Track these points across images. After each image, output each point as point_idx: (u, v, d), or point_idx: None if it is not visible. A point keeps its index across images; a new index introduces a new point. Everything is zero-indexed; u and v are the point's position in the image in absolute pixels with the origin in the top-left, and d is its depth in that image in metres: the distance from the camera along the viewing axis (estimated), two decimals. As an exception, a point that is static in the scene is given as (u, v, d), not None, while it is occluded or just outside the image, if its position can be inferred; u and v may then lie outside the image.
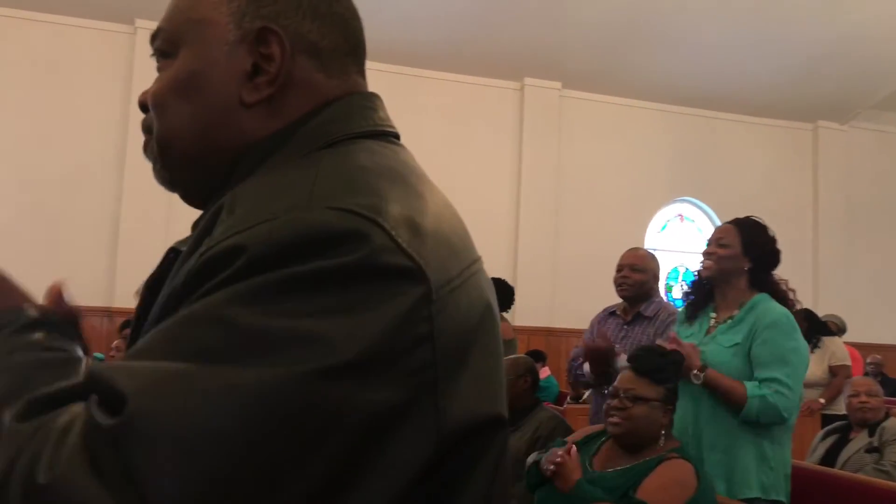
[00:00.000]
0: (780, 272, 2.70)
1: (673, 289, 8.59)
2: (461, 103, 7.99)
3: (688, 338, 2.63)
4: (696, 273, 2.79)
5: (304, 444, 0.54)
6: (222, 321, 0.56)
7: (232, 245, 0.59)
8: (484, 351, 0.67)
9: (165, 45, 0.77)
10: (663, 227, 8.92)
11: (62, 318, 0.71)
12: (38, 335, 0.66)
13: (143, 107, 0.79)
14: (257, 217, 0.60)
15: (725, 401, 2.44)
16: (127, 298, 6.48)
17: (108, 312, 6.68)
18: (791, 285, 2.69)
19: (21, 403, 0.57)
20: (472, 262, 0.71)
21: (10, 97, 6.94)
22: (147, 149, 0.79)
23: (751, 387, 2.42)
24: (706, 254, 2.66)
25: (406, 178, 0.70)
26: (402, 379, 0.58)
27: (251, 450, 0.53)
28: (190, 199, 0.80)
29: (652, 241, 8.61)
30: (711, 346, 2.56)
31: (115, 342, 4.80)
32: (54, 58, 7.09)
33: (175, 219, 6.99)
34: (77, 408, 0.56)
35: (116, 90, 7.16)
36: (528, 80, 8.18)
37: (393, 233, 0.60)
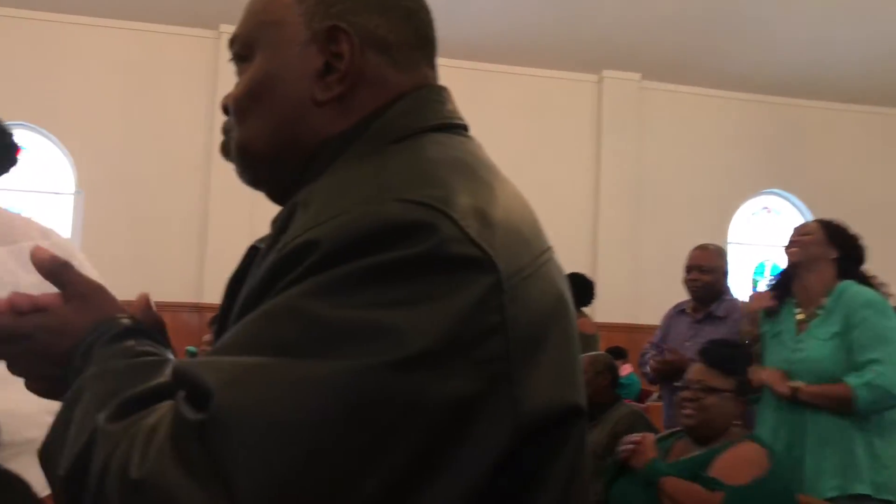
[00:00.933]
0: (873, 267, 2.59)
1: (759, 284, 8.31)
2: (537, 98, 7.93)
3: (775, 337, 2.56)
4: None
5: (380, 436, 0.55)
6: (299, 315, 0.57)
7: (306, 241, 0.60)
8: (558, 341, 0.67)
9: (242, 50, 0.79)
10: (748, 221, 8.64)
11: (150, 326, 0.74)
12: (130, 342, 0.68)
13: (226, 110, 0.81)
14: (330, 212, 0.62)
15: (832, 407, 2.36)
16: (215, 294, 6.70)
17: (198, 308, 6.93)
18: (884, 279, 2.58)
19: (113, 405, 0.59)
20: (543, 251, 0.71)
21: (103, 103, 7.27)
22: (225, 150, 0.82)
23: (851, 379, 2.32)
24: (790, 243, 2.60)
25: (475, 170, 0.70)
26: (475, 369, 0.58)
27: (329, 442, 0.54)
28: (272, 197, 0.82)
29: (736, 235, 8.35)
30: (809, 342, 2.47)
31: (206, 336, 4.97)
32: (143, 64, 7.40)
33: (259, 216, 7.17)
34: (165, 405, 0.58)
35: (202, 93, 7.41)
36: (606, 73, 8.04)
37: (462, 223, 0.61)
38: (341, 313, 0.57)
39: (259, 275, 0.64)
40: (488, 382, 0.59)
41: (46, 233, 2.10)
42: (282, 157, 0.77)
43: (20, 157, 2.12)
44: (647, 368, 3.44)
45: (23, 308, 0.71)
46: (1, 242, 1.96)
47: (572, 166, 7.94)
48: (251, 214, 7.17)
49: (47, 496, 1.65)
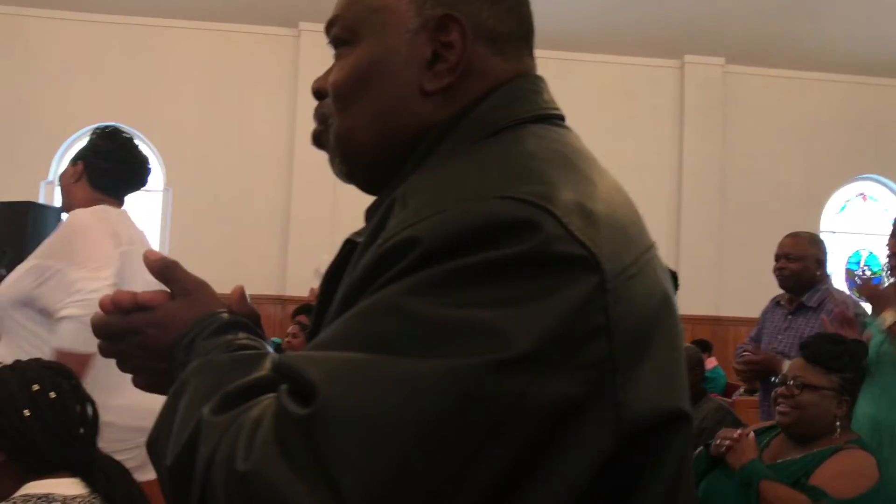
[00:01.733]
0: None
1: (855, 275, 7.94)
2: (617, 86, 7.78)
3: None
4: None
5: (481, 437, 0.54)
6: (399, 312, 0.57)
7: (406, 237, 0.60)
8: (663, 342, 0.64)
9: (344, 33, 0.77)
10: (842, 208, 8.26)
11: (247, 318, 0.75)
12: (230, 336, 0.69)
13: (318, 94, 0.80)
14: (430, 209, 0.61)
15: None
16: (298, 287, 6.89)
17: (281, 300, 7.11)
18: None
19: (216, 398, 0.60)
20: (647, 248, 0.68)
21: (189, 103, 7.53)
22: (317, 139, 0.81)
23: None
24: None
25: (575, 163, 0.68)
26: (578, 372, 0.57)
27: (432, 441, 0.53)
28: (366, 188, 0.81)
29: (829, 224, 8.01)
30: None
31: (290, 328, 5.08)
32: (227, 64, 7.62)
33: (340, 210, 7.32)
34: (267, 398, 0.58)
35: (283, 91, 7.59)
36: (688, 58, 7.82)
37: (564, 220, 0.59)
38: (443, 311, 0.56)
39: (358, 271, 0.64)
40: (591, 386, 0.58)
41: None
42: (384, 146, 0.76)
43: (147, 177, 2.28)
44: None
45: (125, 305, 0.73)
46: (137, 245, 2.12)
47: (654, 155, 7.76)
48: (332, 209, 7.31)
49: (145, 482, 1.73)
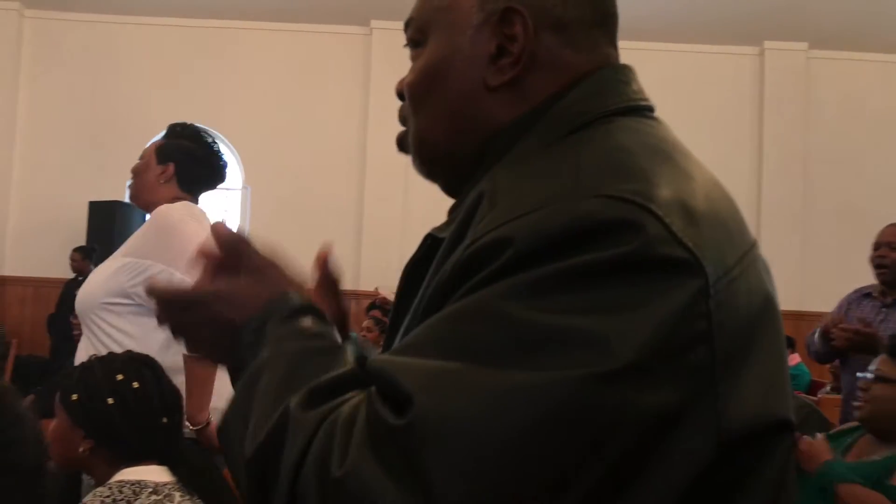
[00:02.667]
0: None
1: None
2: (695, 74, 7.58)
3: None
4: None
5: (581, 449, 0.52)
6: (494, 318, 0.55)
7: (498, 238, 0.57)
8: (766, 348, 0.61)
9: (416, 35, 0.77)
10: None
11: (330, 287, 0.74)
12: (304, 322, 0.66)
13: (400, 96, 0.79)
14: (522, 208, 0.59)
15: None
16: (371, 282, 6.98)
17: (356, 295, 7.21)
18: None
19: (303, 392, 0.58)
20: (750, 247, 0.65)
21: (265, 103, 7.71)
22: (401, 143, 0.81)
23: None
24: None
25: (671, 157, 0.65)
26: (680, 380, 0.55)
27: (531, 454, 0.52)
28: (447, 189, 0.80)
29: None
30: None
31: (365, 322, 5.15)
32: (300, 63, 7.77)
33: (411, 206, 7.38)
34: (355, 398, 0.57)
35: (356, 89, 7.69)
36: (768, 44, 7.56)
37: (666, 220, 0.56)
38: (540, 318, 0.54)
39: (445, 272, 0.62)
40: (693, 394, 0.55)
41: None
42: (457, 145, 0.75)
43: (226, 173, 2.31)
44: (816, 339, 3.17)
45: (214, 262, 0.71)
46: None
47: (733, 146, 7.52)
48: (403, 205, 7.38)
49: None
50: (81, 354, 2.00)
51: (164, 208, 2.10)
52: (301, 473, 0.55)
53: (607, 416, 0.53)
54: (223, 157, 2.31)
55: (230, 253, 0.72)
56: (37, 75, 7.79)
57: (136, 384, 1.55)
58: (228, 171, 2.34)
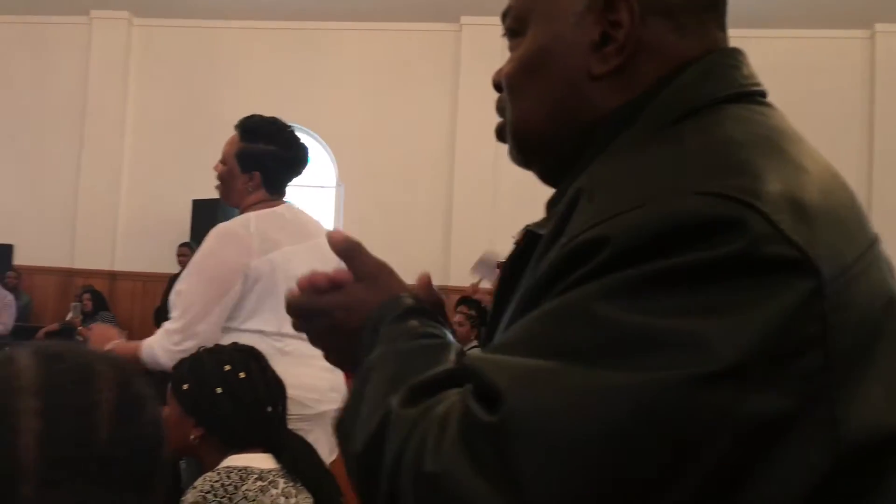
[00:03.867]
0: None
1: None
2: (798, 61, 7.23)
3: None
4: None
5: (680, 455, 0.50)
6: (590, 318, 0.53)
7: (595, 236, 0.56)
8: (889, 353, 0.57)
9: (515, 24, 0.76)
10: None
11: (431, 305, 0.74)
12: (414, 322, 0.68)
13: (497, 87, 0.78)
14: (620, 205, 0.57)
15: None
16: (460, 277, 7.00)
17: (445, 291, 7.25)
18: None
19: (404, 389, 0.59)
20: (870, 244, 0.61)
21: (357, 102, 7.85)
22: (499, 132, 0.80)
23: None
24: None
25: (782, 148, 0.62)
26: (790, 386, 0.52)
27: (626, 457, 0.50)
28: (544, 178, 0.79)
29: None
30: None
31: (456, 317, 5.18)
32: (391, 62, 7.86)
33: (500, 202, 7.36)
34: (453, 395, 0.57)
35: (445, 86, 7.73)
36: (879, 27, 7.15)
37: (774, 218, 0.53)
38: (639, 319, 0.52)
39: (542, 269, 0.61)
40: (804, 401, 0.52)
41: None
42: (557, 135, 0.73)
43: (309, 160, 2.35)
44: None
45: (321, 286, 0.74)
46: (298, 240, 2.22)
47: (840, 134, 7.14)
48: (493, 201, 7.37)
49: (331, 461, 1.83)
50: None
51: (216, 228, 2.21)
52: (399, 469, 0.55)
53: (705, 421, 0.50)
54: (304, 149, 2.33)
55: (346, 258, 0.75)
56: (144, 81, 8.19)
57: (242, 374, 1.62)
58: (309, 153, 2.36)
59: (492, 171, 7.47)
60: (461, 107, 7.62)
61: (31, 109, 8.17)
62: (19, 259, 8.07)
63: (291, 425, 2.11)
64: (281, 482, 1.56)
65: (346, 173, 7.91)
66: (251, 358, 1.69)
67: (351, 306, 0.72)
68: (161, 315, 6.77)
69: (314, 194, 7.83)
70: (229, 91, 7.96)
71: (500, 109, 0.79)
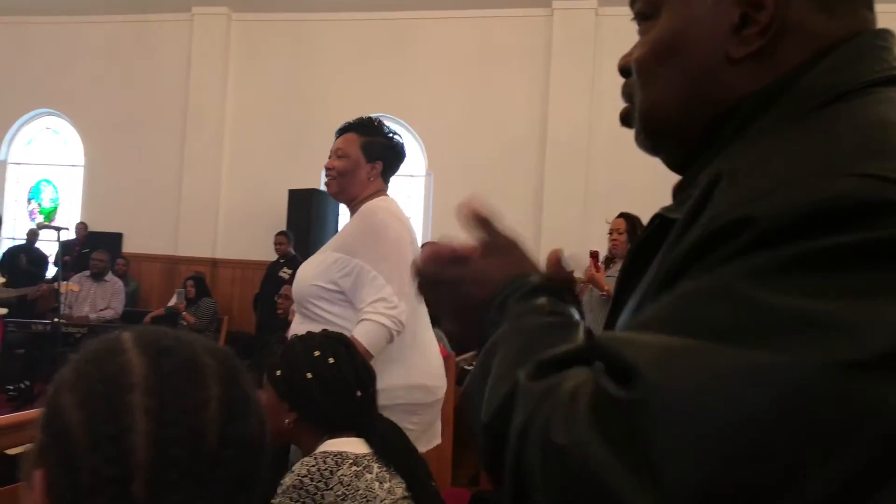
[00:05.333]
0: None
1: None
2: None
3: None
4: None
5: (824, 443, 0.48)
6: (732, 298, 0.52)
7: (739, 217, 0.54)
8: None
9: (646, 7, 0.74)
10: None
11: (560, 283, 0.74)
12: (542, 300, 0.68)
13: (624, 71, 0.77)
14: (766, 186, 0.55)
15: None
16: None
17: (535, 280, 7.22)
18: None
19: (531, 364, 0.59)
20: None
21: (447, 91, 7.88)
22: (624, 117, 0.78)
23: None
24: None
25: None
26: None
27: (767, 442, 0.48)
28: (672, 163, 0.77)
29: None
30: None
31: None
32: (481, 50, 7.85)
33: (592, 190, 7.25)
34: (582, 372, 0.57)
35: (536, 73, 7.67)
36: None
37: None
38: (785, 300, 0.50)
39: (681, 250, 0.59)
40: None
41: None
42: (690, 120, 0.71)
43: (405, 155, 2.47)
44: None
45: (445, 257, 0.75)
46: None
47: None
48: (584, 189, 7.27)
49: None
50: (299, 333, 2.19)
51: (371, 207, 2.26)
52: (526, 441, 0.56)
53: (853, 411, 0.48)
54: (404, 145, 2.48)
55: (477, 231, 0.75)
56: (242, 75, 8.47)
57: (331, 360, 1.67)
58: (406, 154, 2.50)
59: (585, 158, 7.37)
60: (552, 93, 7.55)
61: (138, 105, 8.59)
62: (128, 247, 8.51)
63: (420, 412, 2.17)
64: (375, 467, 1.59)
65: (435, 162, 7.97)
66: (340, 343, 1.73)
67: (479, 279, 0.73)
68: (261, 301, 7.02)
69: (404, 183, 7.93)
70: (323, 83, 8.15)
71: (627, 95, 0.77)
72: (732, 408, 0.49)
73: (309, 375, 1.64)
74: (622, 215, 4.49)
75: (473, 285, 0.73)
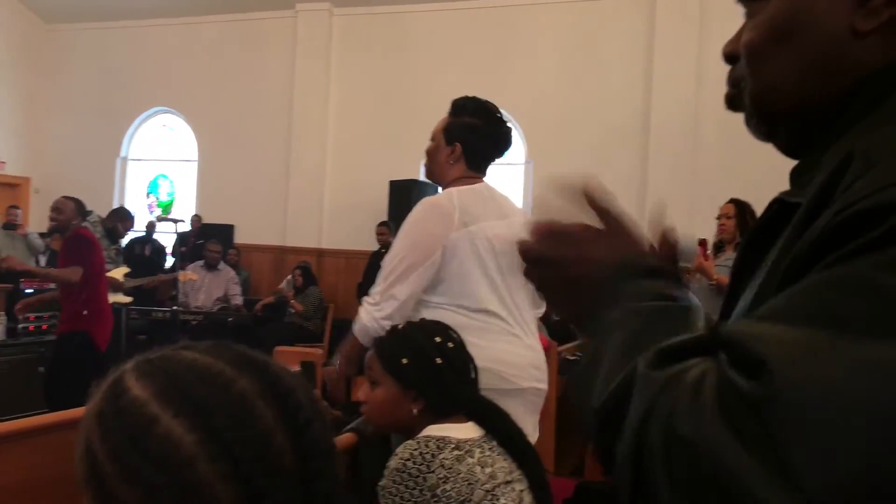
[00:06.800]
0: None
1: None
2: None
3: None
4: None
5: None
6: (871, 290, 0.49)
7: (879, 203, 0.51)
8: None
9: None
10: None
11: (675, 266, 0.72)
12: (658, 283, 0.66)
13: (729, 58, 0.75)
14: None
15: None
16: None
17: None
18: None
19: (651, 352, 0.57)
20: None
21: (545, 77, 7.80)
22: (732, 102, 0.76)
23: None
24: None
25: None
26: None
27: None
28: (789, 148, 0.74)
29: None
30: None
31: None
32: (580, 35, 7.73)
33: (699, 174, 7.02)
34: (704, 362, 0.55)
35: (638, 57, 7.48)
36: None
37: None
38: None
39: (810, 238, 0.57)
40: None
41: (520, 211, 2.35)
42: (811, 101, 0.68)
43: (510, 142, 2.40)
44: None
45: (552, 234, 0.73)
46: (496, 217, 2.27)
47: None
48: (691, 175, 7.04)
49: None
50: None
51: (425, 199, 2.25)
52: (646, 429, 0.54)
53: None
54: (506, 125, 2.35)
55: (597, 210, 0.73)
56: (344, 69, 8.66)
57: (450, 344, 1.70)
58: (512, 137, 2.40)
59: (691, 143, 7.14)
60: (656, 77, 7.34)
61: (246, 101, 8.93)
62: (239, 238, 8.88)
63: (495, 399, 2.16)
64: (476, 452, 1.60)
65: (535, 150, 7.91)
66: (449, 329, 1.76)
67: (589, 259, 0.70)
68: (364, 289, 7.18)
69: (503, 172, 7.90)
70: (423, 74, 8.22)
71: (734, 81, 0.74)
72: (875, 405, 0.46)
73: (439, 360, 1.67)
74: (732, 201, 4.35)
75: (583, 265, 0.70)
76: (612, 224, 0.72)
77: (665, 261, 0.72)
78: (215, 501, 0.60)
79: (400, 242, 2.22)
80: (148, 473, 0.60)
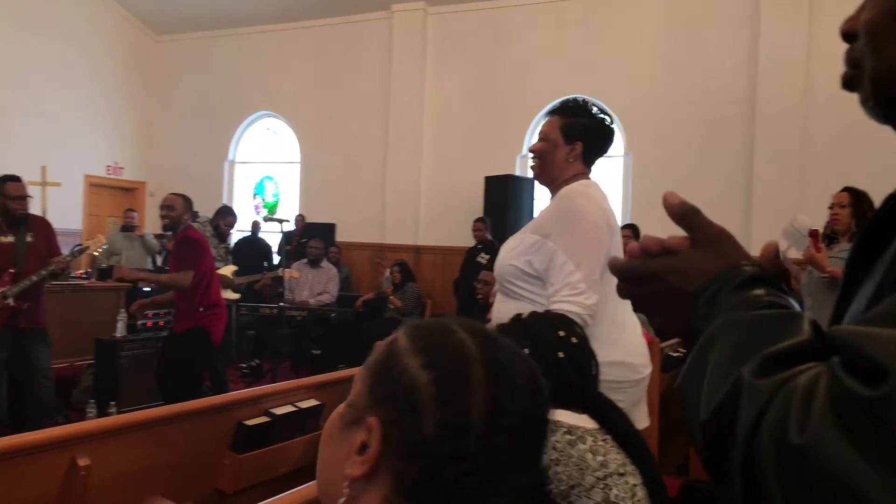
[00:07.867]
0: None
1: None
2: None
3: None
4: None
5: None
6: None
7: None
8: None
9: None
10: None
11: (776, 274, 0.71)
12: (758, 291, 0.65)
13: (847, 36, 0.73)
14: None
15: None
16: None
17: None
18: None
19: (757, 360, 0.57)
20: None
21: (644, 68, 7.61)
22: (848, 82, 0.73)
23: None
24: None
25: None
26: None
27: None
28: None
29: None
30: None
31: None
32: (679, 25, 7.50)
33: (810, 164, 6.70)
34: (813, 368, 0.54)
35: (743, 38, 7.19)
36: None
37: None
38: None
39: None
40: None
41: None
42: None
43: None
44: None
45: (652, 250, 0.73)
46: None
47: None
48: (800, 167, 6.73)
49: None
50: (501, 312, 2.22)
51: (569, 191, 2.26)
52: (757, 439, 0.53)
53: None
54: (610, 122, 2.41)
55: (684, 223, 0.73)
56: (438, 67, 8.73)
57: (574, 339, 1.70)
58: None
59: (801, 129, 6.82)
60: (762, 60, 7.05)
61: (344, 103, 9.14)
62: (340, 236, 9.10)
63: (626, 390, 2.17)
64: (589, 439, 1.59)
65: (634, 141, 7.74)
66: (574, 324, 1.75)
67: (687, 271, 0.70)
68: (461, 285, 7.23)
69: (602, 164, 7.78)
70: (516, 69, 8.19)
71: (852, 61, 0.71)
72: None
73: (561, 355, 1.67)
74: (846, 189, 4.10)
75: (681, 277, 0.70)
76: (709, 235, 0.72)
77: (769, 268, 0.70)
78: (473, 397, 0.72)
79: (580, 229, 2.20)
80: (442, 362, 0.74)
